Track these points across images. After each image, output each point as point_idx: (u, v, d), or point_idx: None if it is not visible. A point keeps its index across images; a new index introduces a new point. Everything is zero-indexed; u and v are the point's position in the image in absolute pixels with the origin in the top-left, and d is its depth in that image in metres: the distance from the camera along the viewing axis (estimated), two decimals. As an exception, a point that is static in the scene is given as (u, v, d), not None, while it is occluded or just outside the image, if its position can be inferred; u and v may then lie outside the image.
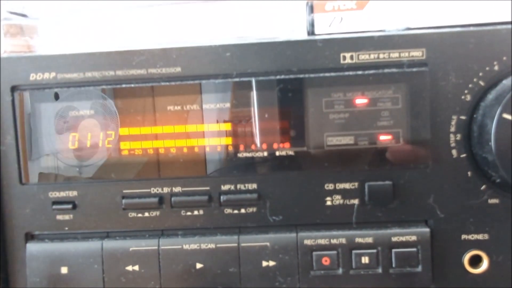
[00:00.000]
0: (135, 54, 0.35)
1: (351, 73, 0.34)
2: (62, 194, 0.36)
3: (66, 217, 0.37)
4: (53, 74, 0.35)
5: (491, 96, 0.33)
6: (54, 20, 0.38)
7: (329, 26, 0.36)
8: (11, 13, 0.39)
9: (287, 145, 0.35)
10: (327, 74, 0.34)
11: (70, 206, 0.36)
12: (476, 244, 0.35)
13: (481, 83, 0.34)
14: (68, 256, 0.36)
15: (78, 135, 0.36)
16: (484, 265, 0.35)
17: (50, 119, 0.36)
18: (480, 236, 0.35)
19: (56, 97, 0.36)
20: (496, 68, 0.34)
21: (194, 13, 0.36)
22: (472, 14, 0.35)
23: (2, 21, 0.39)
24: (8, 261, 0.37)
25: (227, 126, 0.35)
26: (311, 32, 0.37)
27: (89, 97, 0.36)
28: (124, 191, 0.36)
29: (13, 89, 0.36)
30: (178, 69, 0.35)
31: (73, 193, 0.36)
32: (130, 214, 0.36)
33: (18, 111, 0.36)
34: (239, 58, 0.35)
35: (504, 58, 0.33)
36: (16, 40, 0.39)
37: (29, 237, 0.37)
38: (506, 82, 0.33)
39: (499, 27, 0.34)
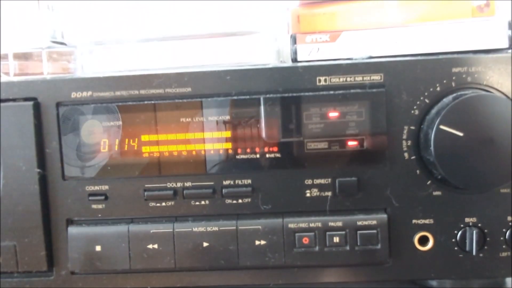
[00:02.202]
0: (155, 77, 0.44)
1: (325, 92, 0.43)
2: (96, 188, 0.45)
3: (99, 206, 0.46)
4: (90, 93, 0.45)
5: (433, 111, 0.42)
6: (88, 48, 0.47)
7: (308, 55, 0.45)
8: (53, 42, 0.48)
9: (275, 149, 0.44)
10: (306, 94, 0.43)
11: (102, 197, 0.45)
12: (424, 227, 0.44)
13: (426, 100, 0.43)
14: (101, 237, 0.45)
15: (108, 141, 0.45)
16: (430, 243, 0.44)
17: (87, 128, 0.45)
18: (426, 221, 0.44)
19: (93, 111, 0.45)
20: (438, 89, 0.43)
21: (201, 45, 0.45)
22: (420, 45, 0.45)
23: (46, 49, 0.48)
24: (53, 242, 0.46)
25: (227, 134, 0.45)
26: (294, 60, 0.46)
27: (117, 111, 0.45)
28: (146, 185, 0.45)
29: (58, 104, 0.45)
30: (189, 89, 0.44)
31: (105, 187, 0.45)
32: (150, 204, 0.45)
33: (61, 122, 0.45)
34: (237, 81, 0.44)
35: (444, 81, 0.43)
36: (57, 64, 0.48)
37: (70, 222, 0.46)
38: (445, 100, 0.42)
39: (440, 56, 0.43)
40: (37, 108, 0.45)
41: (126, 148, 0.45)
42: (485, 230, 0.43)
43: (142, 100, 0.44)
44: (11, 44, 0.48)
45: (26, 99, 0.45)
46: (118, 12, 0.46)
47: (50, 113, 0.45)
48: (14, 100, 0.45)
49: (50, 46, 0.47)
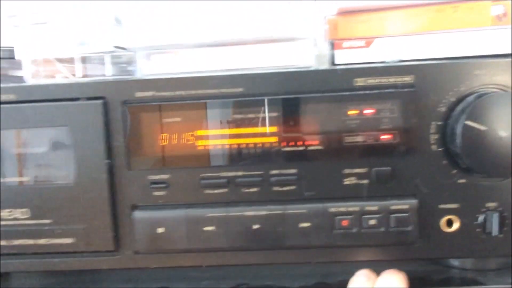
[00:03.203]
0: (211, 78, 0.50)
1: (361, 92, 0.49)
2: (158, 177, 0.51)
3: (161, 193, 0.51)
4: (152, 93, 0.50)
5: (458, 108, 0.48)
6: (146, 53, 0.53)
7: (345, 59, 0.51)
8: (115, 47, 0.54)
9: (317, 142, 0.50)
10: (345, 93, 0.49)
11: (164, 185, 0.51)
12: (449, 211, 0.49)
13: (452, 99, 0.48)
14: (163, 220, 0.51)
15: (168, 135, 0.51)
16: (455, 226, 0.50)
17: (149, 124, 0.51)
18: (452, 206, 0.49)
19: (154, 108, 0.51)
20: (462, 88, 0.48)
21: (249, 51, 0.51)
22: (446, 50, 0.50)
23: (108, 53, 0.54)
24: (119, 225, 0.52)
25: (274, 129, 0.50)
26: (332, 63, 0.52)
27: (177, 109, 0.50)
28: (202, 175, 0.51)
29: (124, 103, 0.51)
30: (241, 89, 0.50)
31: (166, 176, 0.51)
32: (206, 191, 0.51)
33: (127, 118, 0.51)
34: (283, 82, 0.49)
35: (467, 82, 0.48)
36: (117, 67, 0.54)
37: (134, 207, 0.51)
38: (469, 98, 0.48)
39: (463, 60, 0.48)
40: (105, 106, 0.50)
41: (184, 142, 0.50)
42: (505, 214, 0.49)
43: (199, 99, 0.50)
44: (77, 48, 0.54)
45: (95, 98, 0.50)
46: (173, 21, 0.52)
47: (117, 111, 0.50)
48: (84, 99, 0.50)
49: (113, 50, 0.53)
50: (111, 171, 0.51)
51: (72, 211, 0.51)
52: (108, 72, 0.53)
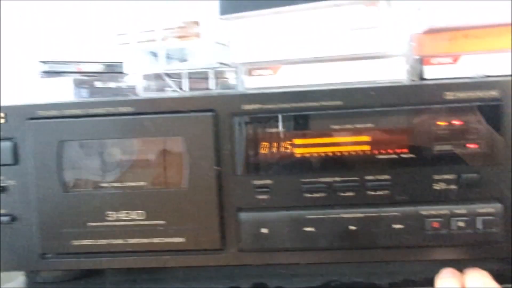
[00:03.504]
0: (311, 92, 0.55)
1: (451, 105, 0.54)
2: (262, 181, 0.56)
3: (264, 196, 0.56)
4: (258, 105, 0.56)
5: (542, 119, 0.52)
6: (249, 68, 0.58)
7: (433, 74, 0.56)
8: (219, 63, 0.59)
9: (408, 150, 0.55)
10: (435, 106, 0.54)
11: (267, 189, 0.56)
12: (533, 215, 0.54)
13: (535, 111, 0.53)
14: (266, 221, 0.56)
15: (271, 144, 0.56)
16: (538, 228, 0.54)
17: (255, 134, 0.56)
18: (536, 210, 0.54)
19: (260, 120, 0.55)
20: (544, 101, 0.53)
21: (346, 66, 0.56)
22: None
23: (212, 69, 0.59)
24: (225, 226, 0.57)
25: (368, 138, 0.55)
26: (421, 78, 0.56)
27: (281, 120, 0.55)
28: (302, 180, 0.56)
29: (232, 115, 0.56)
30: (339, 102, 0.55)
31: (269, 181, 0.56)
32: (306, 195, 0.56)
33: (234, 129, 0.56)
34: (380, 95, 0.54)
35: (550, 96, 0.53)
36: (221, 81, 0.60)
37: (239, 209, 0.56)
38: (551, 111, 0.52)
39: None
40: (215, 118, 0.55)
41: (284, 149, 0.55)
42: None
43: (300, 111, 0.55)
44: (183, 65, 0.59)
45: (206, 111, 0.56)
46: (273, 38, 0.57)
47: (225, 122, 0.55)
48: (196, 111, 0.56)
49: (216, 66, 0.58)
50: (219, 177, 0.56)
51: (184, 213, 0.56)
52: (211, 86, 0.58)
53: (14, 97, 0.60)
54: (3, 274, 0.64)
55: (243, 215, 0.56)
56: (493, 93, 0.53)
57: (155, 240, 0.56)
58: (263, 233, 0.55)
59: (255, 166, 0.56)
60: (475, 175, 0.53)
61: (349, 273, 0.61)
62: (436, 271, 0.54)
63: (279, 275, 0.61)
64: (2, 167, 0.57)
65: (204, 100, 0.56)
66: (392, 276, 0.59)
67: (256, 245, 0.56)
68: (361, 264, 0.61)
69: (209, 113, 0.55)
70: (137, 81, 0.58)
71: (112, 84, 0.66)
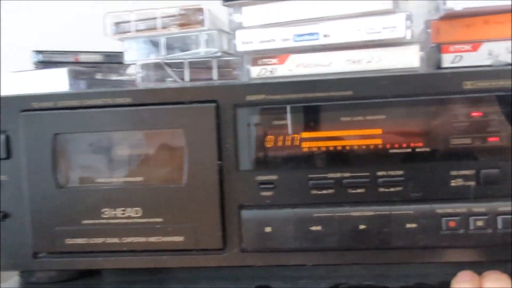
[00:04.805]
0: (320, 82, 0.51)
1: (470, 95, 0.50)
2: (266, 177, 0.53)
3: (268, 193, 0.53)
4: (262, 96, 0.52)
5: None
6: (253, 57, 0.55)
7: (452, 62, 0.52)
8: (223, 52, 0.56)
9: (423, 143, 0.51)
10: (453, 96, 0.50)
11: (272, 185, 0.53)
12: (554, 212, 0.50)
13: (560, 101, 0.49)
14: (270, 220, 0.52)
15: (276, 137, 0.53)
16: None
17: (259, 126, 0.52)
18: (556, 207, 0.50)
19: (265, 111, 0.52)
20: None
21: (358, 54, 0.53)
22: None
23: (216, 58, 0.56)
24: (227, 224, 0.54)
25: (380, 131, 0.51)
26: (438, 66, 0.53)
27: (287, 112, 0.52)
28: (309, 175, 0.52)
29: (235, 106, 0.53)
30: (350, 92, 0.51)
31: (274, 177, 0.53)
32: (313, 192, 0.52)
33: (237, 121, 0.53)
34: (392, 85, 0.51)
35: None
36: (225, 71, 0.56)
37: (242, 207, 0.53)
38: None
39: None
40: (217, 109, 0.52)
41: (291, 143, 0.52)
42: None
43: (307, 102, 0.51)
44: (185, 54, 0.56)
45: (208, 101, 0.52)
46: (282, 25, 0.53)
47: (228, 114, 0.52)
48: (197, 102, 0.52)
49: (220, 56, 0.55)
50: (221, 172, 0.52)
51: (183, 211, 0.53)
52: (215, 76, 0.55)
53: (7, 89, 0.57)
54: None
55: (246, 213, 0.52)
56: (515, 82, 0.49)
57: (152, 239, 0.53)
58: (266, 232, 0.52)
59: (259, 161, 0.52)
60: (495, 170, 0.50)
61: (359, 275, 0.57)
62: (453, 274, 0.51)
63: (284, 277, 0.58)
64: (-6, 161, 0.55)
65: (206, 91, 0.53)
66: (404, 279, 0.55)
67: (259, 245, 0.52)
68: (371, 266, 0.57)
69: (211, 104, 0.52)
70: (135, 71, 0.55)
71: (113, 76, 0.63)
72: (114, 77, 0.63)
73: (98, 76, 0.65)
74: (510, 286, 0.48)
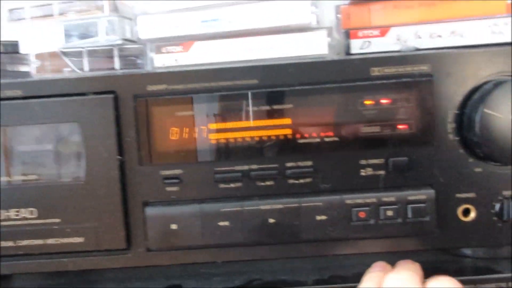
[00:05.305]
0: (225, 70, 0.49)
1: (378, 82, 0.49)
2: (171, 172, 0.50)
3: (174, 188, 0.50)
4: (164, 86, 0.49)
5: (475, 96, 0.47)
6: (157, 45, 0.52)
7: (360, 48, 0.51)
8: (124, 39, 0.53)
9: (333, 133, 0.49)
10: (361, 83, 0.49)
11: (177, 180, 0.50)
12: (466, 200, 0.48)
13: (469, 87, 0.48)
14: (176, 216, 0.49)
15: (180, 129, 0.50)
16: (472, 215, 0.49)
17: (162, 118, 0.49)
18: (469, 195, 0.48)
19: (167, 102, 0.49)
20: (478, 77, 0.48)
21: (264, 42, 0.50)
22: (462, 38, 0.50)
23: (117, 47, 0.52)
24: (130, 222, 0.51)
25: (288, 121, 0.49)
26: (347, 53, 0.51)
27: (189, 102, 0.49)
28: (216, 168, 0.50)
29: (135, 97, 0.49)
30: (255, 81, 0.49)
31: (179, 171, 0.50)
32: (220, 185, 0.50)
33: (138, 113, 0.49)
34: (299, 73, 0.49)
35: (484, 69, 0.48)
36: (126, 60, 0.53)
37: (146, 204, 0.50)
38: (486, 86, 0.47)
39: (480, 49, 0.48)
40: (116, 100, 0.49)
41: (196, 135, 0.49)
42: (521, 201, 0.49)
43: (212, 92, 0.49)
44: (84, 42, 0.52)
45: (105, 93, 0.49)
46: (184, 11, 0.50)
47: (128, 105, 0.49)
48: (94, 93, 0.49)
49: (121, 43, 0.52)
50: (122, 168, 0.49)
51: (82, 210, 0.49)
52: (116, 66, 0.51)
53: None
54: None
55: (150, 210, 0.50)
56: (424, 68, 0.48)
57: (50, 241, 0.50)
58: (172, 229, 0.49)
59: (163, 155, 0.49)
60: (404, 158, 0.49)
61: (274, 270, 0.55)
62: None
63: (198, 275, 0.56)
64: None
65: (103, 81, 0.49)
66: (319, 272, 0.54)
67: (165, 243, 0.50)
68: (286, 261, 0.55)
69: (109, 95, 0.49)
70: (30, 61, 0.50)
71: (9, 67, 0.58)
72: (10, 68, 0.58)
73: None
74: (421, 274, 0.47)
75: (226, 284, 0.53)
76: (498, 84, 0.46)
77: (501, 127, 0.45)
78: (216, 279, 0.55)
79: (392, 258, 0.50)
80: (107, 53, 0.52)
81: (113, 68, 0.52)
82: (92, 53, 0.52)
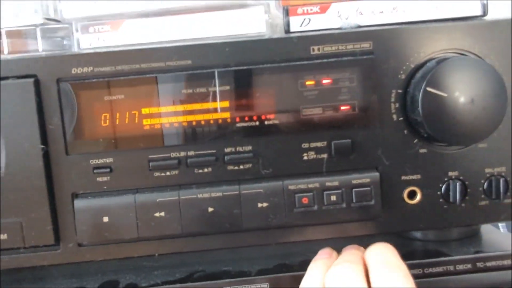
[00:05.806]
0: (155, 51, 0.46)
1: (318, 61, 0.46)
2: (101, 161, 0.46)
3: (105, 178, 0.47)
4: (90, 68, 0.46)
5: (418, 74, 0.46)
6: (83, 24, 0.48)
7: (300, 26, 0.48)
8: (47, 19, 0.48)
9: (272, 116, 0.47)
10: (301, 62, 0.46)
11: (108, 170, 0.46)
12: (412, 182, 0.47)
13: (411, 65, 0.46)
14: (108, 208, 0.46)
15: (110, 115, 0.46)
16: (418, 197, 0.48)
17: (89, 103, 0.46)
18: (414, 176, 0.47)
19: (94, 86, 0.46)
20: (421, 54, 0.46)
21: (197, 19, 0.47)
22: (404, 15, 0.48)
23: (39, 26, 0.48)
24: (58, 216, 0.47)
25: (226, 103, 0.47)
26: (287, 31, 0.48)
27: (119, 85, 0.46)
28: (150, 156, 0.47)
29: (58, 80, 0.46)
30: (189, 62, 0.46)
31: (110, 160, 0.46)
32: (155, 174, 0.47)
33: (62, 98, 0.46)
34: (235, 52, 0.46)
35: (427, 47, 0.46)
36: (51, 41, 0.49)
37: (75, 196, 0.47)
38: (429, 64, 0.46)
39: (422, 25, 0.47)
40: (37, 85, 0.45)
41: (128, 121, 0.46)
42: (466, 182, 0.47)
43: (143, 74, 0.45)
44: (3, 22, 0.48)
45: (25, 77, 0.45)
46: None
47: (51, 90, 0.45)
48: (13, 77, 0.45)
49: (44, 23, 0.48)
50: (47, 157, 0.45)
51: (4, 204, 0.46)
52: (40, 48, 0.47)
53: None
54: None
55: (80, 202, 0.46)
56: (365, 46, 0.46)
57: (-30, 239, 0.46)
58: (104, 222, 0.46)
59: (92, 143, 0.46)
60: (347, 141, 0.46)
61: (217, 260, 0.52)
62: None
63: (136, 268, 0.53)
64: None
65: (23, 64, 0.45)
66: (264, 262, 0.51)
67: (97, 237, 0.47)
68: (230, 250, 0.53)
69: (29, 79, 0.45)
70: None
71: None
72: None
73: None
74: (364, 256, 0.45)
75: (166, 278, 0.50)
76: (440, 61, 0.44)
77: (444, 106, 0.44)
78: (156, 273, 0.52)
79: (342, 243, 0.48)
80: (31, 35, 0.48)
81: (36, 51, 0.47)
82: (13, 35, 0.48)
